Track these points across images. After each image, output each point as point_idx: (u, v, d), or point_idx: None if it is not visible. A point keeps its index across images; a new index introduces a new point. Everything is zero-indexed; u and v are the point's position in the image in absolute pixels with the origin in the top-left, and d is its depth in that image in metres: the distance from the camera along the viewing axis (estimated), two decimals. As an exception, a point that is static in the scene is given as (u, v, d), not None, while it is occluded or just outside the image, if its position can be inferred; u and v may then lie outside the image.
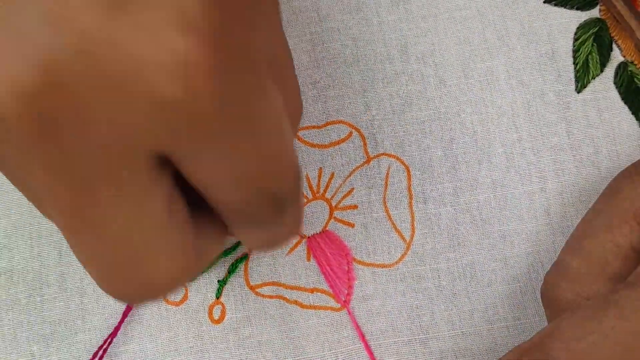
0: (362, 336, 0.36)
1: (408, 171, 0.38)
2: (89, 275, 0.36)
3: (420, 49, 0.39)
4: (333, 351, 0.36)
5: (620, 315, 0.27)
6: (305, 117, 0.38)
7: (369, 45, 0.39)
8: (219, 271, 0.36)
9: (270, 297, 0.36)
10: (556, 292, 0.32)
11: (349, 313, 0.36)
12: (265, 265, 0.36)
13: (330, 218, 0.37)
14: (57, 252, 0.36)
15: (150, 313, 0.36)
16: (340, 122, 0.38)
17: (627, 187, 0.32)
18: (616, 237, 0.31)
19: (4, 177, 0.36)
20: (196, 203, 0.24)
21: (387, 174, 0.38)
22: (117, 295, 0.24)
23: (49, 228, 0.36)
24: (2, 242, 0.36)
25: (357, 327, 0.36)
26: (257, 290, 0.36)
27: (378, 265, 0.37)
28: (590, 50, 0.39)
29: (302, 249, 0.37)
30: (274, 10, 0.25)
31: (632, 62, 0.39)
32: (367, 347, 0.35)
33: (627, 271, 0.31)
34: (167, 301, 0.36)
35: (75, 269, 0.36)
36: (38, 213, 0.36)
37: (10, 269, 0.36)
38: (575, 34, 0.39)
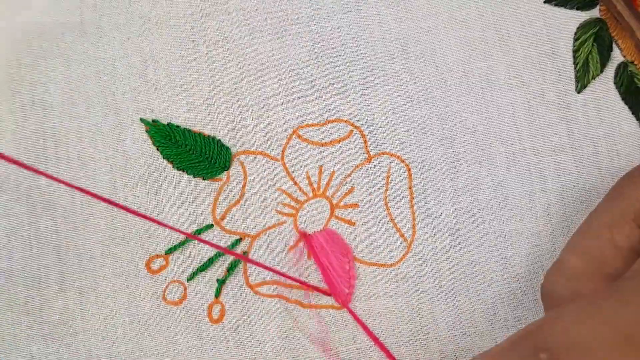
0: (370, 333, 0.35)
1: (409, 170, 0.38)
2: (87, 275, 0.36)
3: (421, 48, 0.39)
4: (333, 351, 0.35)
5: (622, 302, 0.27)
6: (305, 115, 0.38)
7: (369, 44, 0.39)
8: (218, 270, 0.36)
9: (270, 296, 0.36)
10: (553, 288, 0.32)
11: (350, 312, 0.36)
12: (264, 263, 0.36)
13: (331, 216, 0.37)
14: (56, 252, 0.36)
15: (149, 313, 0.35)
16: (340, 120, 0.38)
17: (628, 189, 0.32)
18: (615, 237, 0.31)
19: (2, 177, 0.36)
20: None
21: (388, 172, 0.37)
22: None
23: (48, 228, 0.36)
24: (1, 242, 0.36)
25: (361, 323, 0.35)
26: (256, 289, 0.36)
27: (379, 265, 0.36)
28: (591, 50, 0.39)
29: (302, 246, 0.37)
30: None
31: (632, 62, 0.39)
32: (380, 344, 0.35)
33: (625, 272, 0.31)
34: (165, 301, 0.36)
35: (74, 269, 0.36)
36: (37, 213, 0.36)
37: (9, 269, 0.36)
38: (575, 34, 0.39)
